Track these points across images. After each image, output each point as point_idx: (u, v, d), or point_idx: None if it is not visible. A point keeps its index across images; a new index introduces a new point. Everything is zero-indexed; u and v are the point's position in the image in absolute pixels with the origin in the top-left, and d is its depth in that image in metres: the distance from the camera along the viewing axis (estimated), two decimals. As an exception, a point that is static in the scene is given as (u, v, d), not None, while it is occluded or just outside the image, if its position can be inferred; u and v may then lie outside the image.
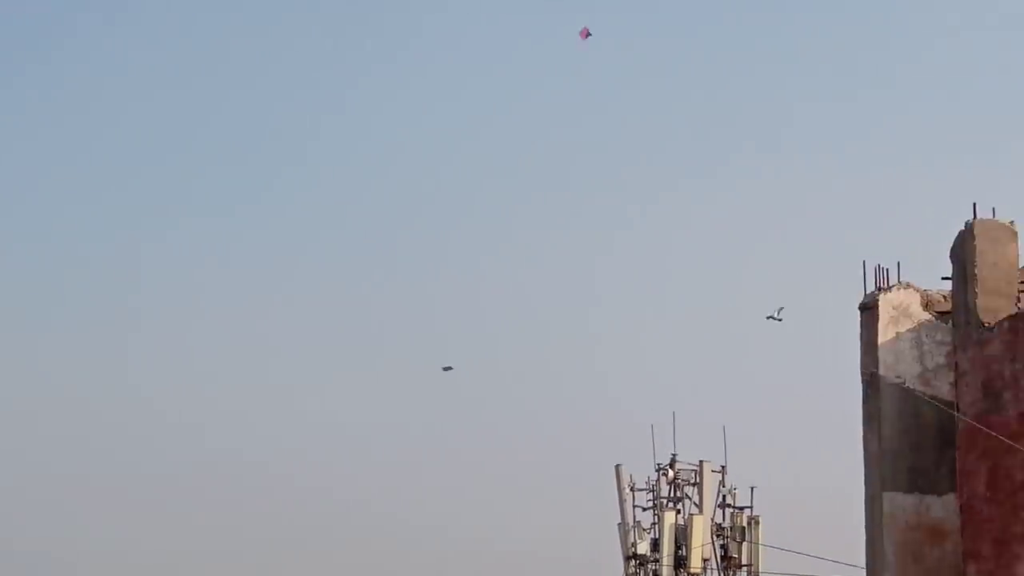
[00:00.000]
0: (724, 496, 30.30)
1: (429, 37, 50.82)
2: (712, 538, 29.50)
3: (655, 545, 29.88)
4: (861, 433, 15.13)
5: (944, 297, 14.56)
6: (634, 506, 30.56)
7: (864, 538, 14.99)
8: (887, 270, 14.85)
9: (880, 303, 14.68)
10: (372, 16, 50.29)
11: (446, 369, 30.58)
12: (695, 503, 30.50)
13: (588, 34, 26.79)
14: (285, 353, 47.72)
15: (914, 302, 14.73)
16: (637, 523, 30.39)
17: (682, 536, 29.60)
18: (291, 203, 49.51)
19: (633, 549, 29.90)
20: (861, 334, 14.97)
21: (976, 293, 13.34)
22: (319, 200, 49.32)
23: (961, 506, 13.54)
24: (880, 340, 14.65)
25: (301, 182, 49.96)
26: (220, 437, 44.66)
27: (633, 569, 29.83)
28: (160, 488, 41.80)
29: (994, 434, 13.04)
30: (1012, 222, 13.55)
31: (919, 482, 14.52)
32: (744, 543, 29.13)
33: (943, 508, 14.34)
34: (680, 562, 29.62)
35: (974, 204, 13.58)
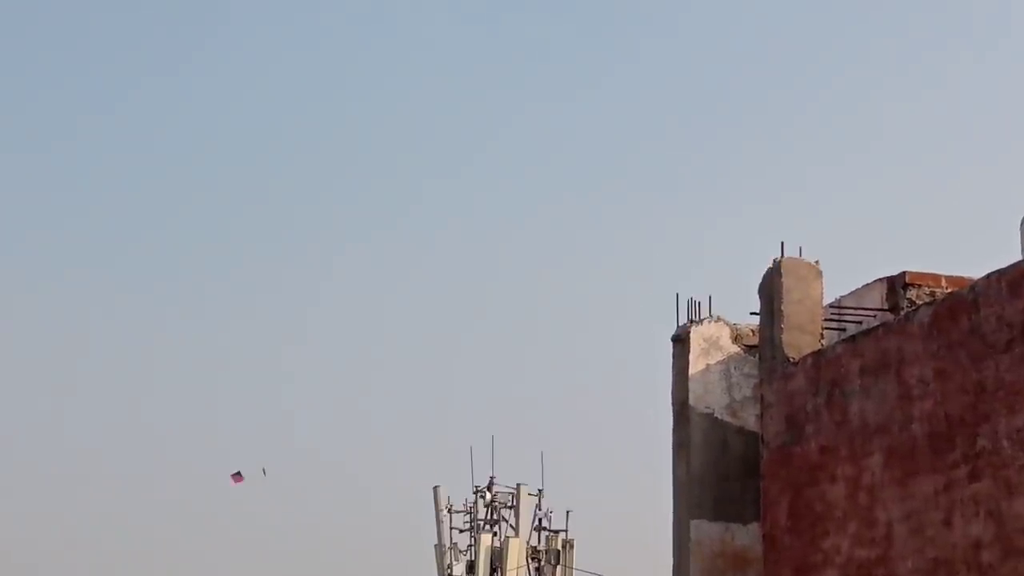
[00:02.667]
0: (540, 519, 30.60)
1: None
2: (527, 560, 29.77)
3: (471, 567, 30.03)
4: (670, 461, 15.46)
5: (752, 331, 14.98)
6: (451, 527, 30.65)
7: (672, 563, 15.30)
8: (699, 303, 15.24)
9: (692, 335, 15.05)
10: None
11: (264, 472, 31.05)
12: (511, 525, 30.73)
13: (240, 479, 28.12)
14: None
15: (724, 335, 15.13)
16: (454, 544, 30.51)
17: (498, 558, 29.81)
18: None
19: (449, 571, 30.00)
20: (673, 364, 15.32)
21: (782, 328, 13.75)
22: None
23: (764, 535, 13.92)
24: (691, 371, 15.02)
25: None
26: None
27: (448, 591, 29.88)
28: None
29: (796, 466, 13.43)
30: (817, 261, 14.00)
31: (725, 510, 14.88)
32: (558, 566, 29.45)
33: (747, 536, 14.72)
34: (495, 584, 29.78)
35: (782, 243, 14.02)
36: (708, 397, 15.00)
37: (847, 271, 14.96)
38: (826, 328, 14.00)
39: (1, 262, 44.16)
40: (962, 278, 13.49)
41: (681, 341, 15.16)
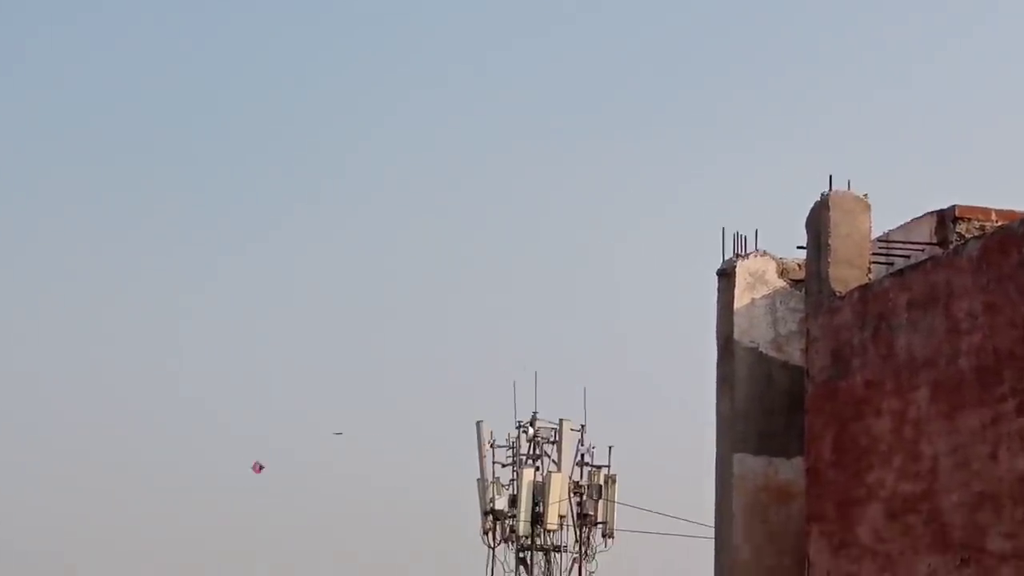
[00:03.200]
0: (582, 454, 30.70)
1: None
2: (569, 495, 29.89)
3: (513, 501, 30.18)
4: (715, 395, 15.45)
5: (799, 266, 14.89)
6: (494, 462, 30.81)
7: (714, 498, 15.32)
8: (745, 238, 15.16)
9: (737, 269, 14.98)
10: None
11: (337, 434, 31.45)
12: (554, 461, 30.85)
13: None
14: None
15: (770, 269, 15.06)
16: (496, 479, 30.67)
17: (540, 493, 29.95)
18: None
19: (491, 505, 30.17)
20: (718, 299, 15.26)
21: (829, 262, 13.65)
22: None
23: (808, 469, 13.89)
24: (736, 305, 14.95)
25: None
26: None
27: (491, 524, 30.10)
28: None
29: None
30: (866, 195, 13.87)
31: (769, 444, 14.86)
32: (600, 501, 29.58)
33: (791, 470, 14.70)
34: (537, 518, 29.97)
35: (830, 176, 13.89)
36: (753, 331, 14.95)
37: (896, 205, 14.81)
38: (874, 262, 13.90)
39: None
40: (1012, 211, 13.36)
41: (727, 275, 15.09)
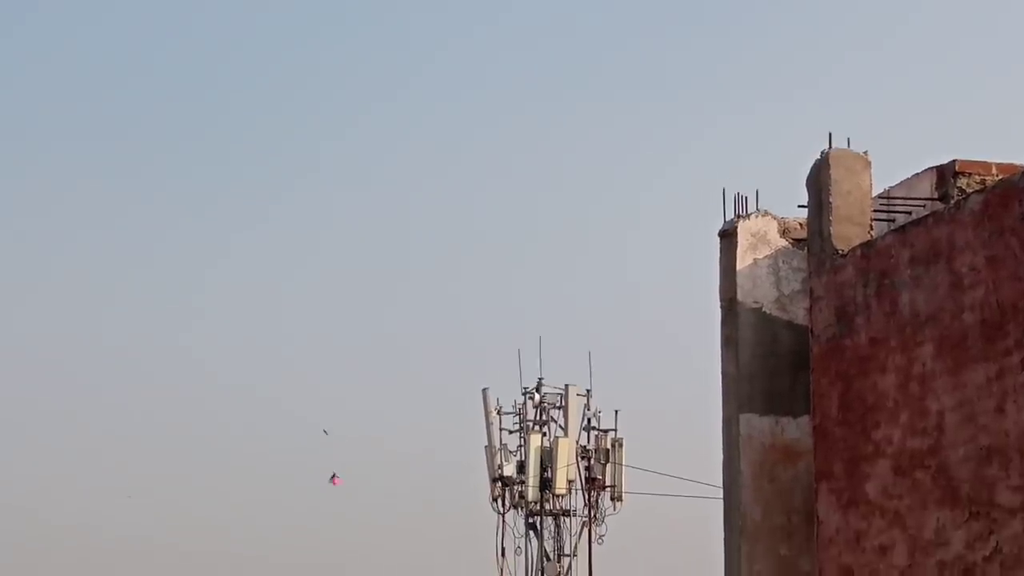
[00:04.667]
0: (589, 419, 30.79)
1: None
2: (577, 460, 29.99)
3: (521, 467, 30.30)
4: (719, 357, 15.45)
5: (800, 224, 14.87)
6: (500, 429, 30.91)
7: (721, 459, 15.34)
8: (746, 198, 15.13)
9: (739, 229, 14.96)
10: None
11: (325, 432, 31.79)
12: (560, 426, 30.94)
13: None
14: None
15: (772, 229, 15.04)
16: (503, 446, 30.78)
17: (548, 458, 30.05)
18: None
19: (500, 471, 30.28)
20: (720, 260, 15.25)
21: (830, 221, 13.63)
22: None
23: (814, 427, 13.91)
24: (739, 266, 14.94)
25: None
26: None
27: (499, 491, 30.22)
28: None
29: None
30: (866, 152, 13.84)
31: (775, 404, 14.88)
32: (608, 464, 29.68)
33: (798, 429, 14.73)
34: (546, 483, 30.09)
35: (829, 134, 13.86)
36: (756, 292, 14.94)
37: (896, 161, 14.78)
38: (875, 219, 13.88)
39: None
40: (1013, 165, 13.34)
41: (728, 236, 15.07)
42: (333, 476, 30.46)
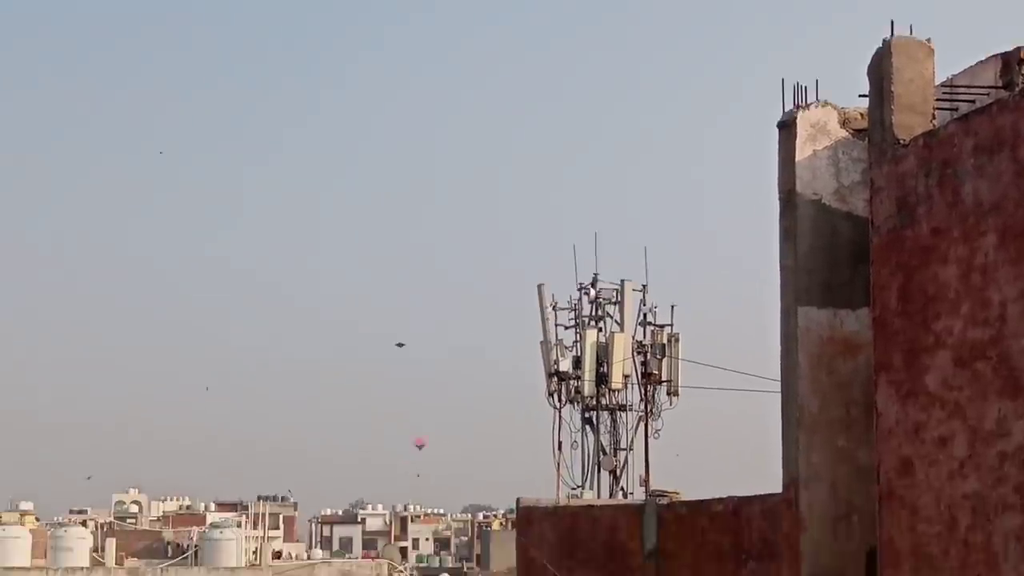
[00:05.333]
0: (645, 314, 30.86)
1: None
2: (633, 355, 30.09)
3: (577, 363, 30.44)
4: (777, 250, 15.36)
5: (861, 115, 14.67)
6: (556, 325, 31.05)
7: (779, 352, 15.30)
8: (806, 88, 14.92)
9: (799, 120, 14.78)
10: None
11: (399, 345, 32.06)
12: (616, 321, 31.03)
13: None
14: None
15: (832, 120, 14.85)
16: (559, 341, 30.93)
17: (603, 353, 30.17)
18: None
19: (555, 367, 30.44)
20: (779, 152, 15.09)
21: (892, 110, 13.42)
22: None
23: (874, 319, 13.82)
24: (798, 157, 14.79)
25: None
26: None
27: (555, 386, 30.40)
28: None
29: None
30: (929, 39, 13.59)
31: (834, 296, 14.80)
32: (664, 359, 29.76)
33: (856, 322, 14.65)
34: (601, 378, 30.24)
35: (892, 22, 13.59)
36: (816, 183, 14.80)
37: (959, 49, 14.51)
38: (938, 108, 13.66)
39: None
40: (1080, 51, 13.07)
41: (787, 127, 14.90)
42: (417, 440, 30.99)
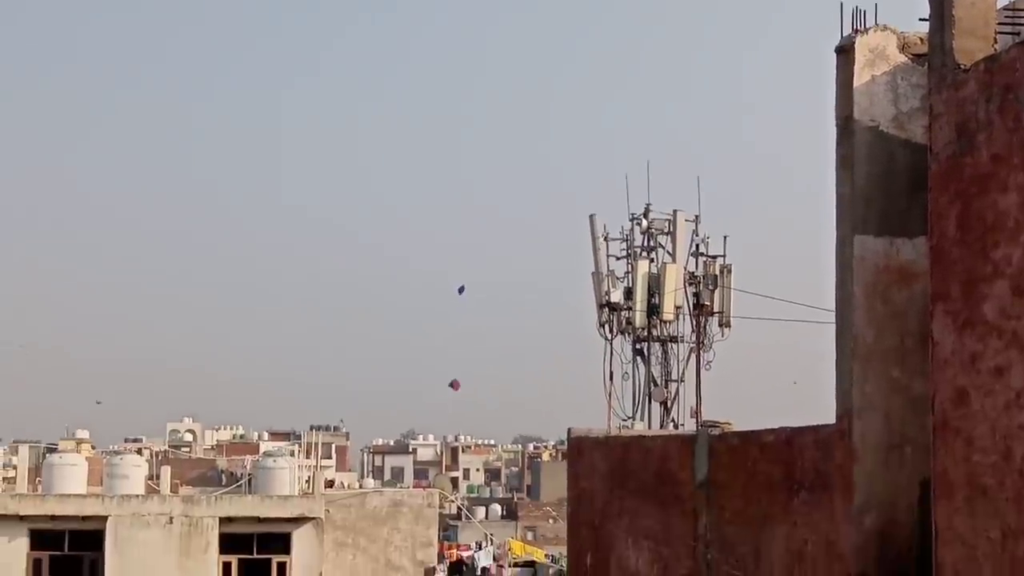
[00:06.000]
0: (697, 245, 30.69)
1: None
2: (685, 286, 29.95)
3: (628, 294, 30.35)
4: (833, 178, 15.13)
5: (921, 39, 14.36)
6: (608, 255, 30.95)
7: (834, 282, 15.12)
8: (864, 12, 14.61)
9: (857, 45, 14.49)
10: None
11: (460, 290, 31.97)
12: (668, 252, 30.87)
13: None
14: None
15: (891, 44, 14.55)
16: (611, 272, 30.85)
17: (655, 284, 30.05)
18: None
19: (607, 297, 30.38)
20: (836, 77, 14.82)
21: (953, 34, 13.12)
22: None
23: (931, 248, 13.60)
24: (856, 83, 14.51)
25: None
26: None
27: (607, 316, 30.35)
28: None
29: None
30: (992, -39, 13.27)
31: (890, 225, 14.57)
32: (716, 290, 29.60)
33: (913, 251, 14.43)
34: (653, 310, 30.13)
35: (954, -57, 13.28)
36: (874, 110, 14.53)
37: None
38: (1000, 32, 13.34)
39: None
40: None
41: (845, 52, 14.62)
42: (454, 382, 31.08)
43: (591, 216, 30.70)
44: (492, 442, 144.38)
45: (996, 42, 13.25)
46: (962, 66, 13.07)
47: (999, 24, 13.42)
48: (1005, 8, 13.60)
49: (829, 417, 14.97)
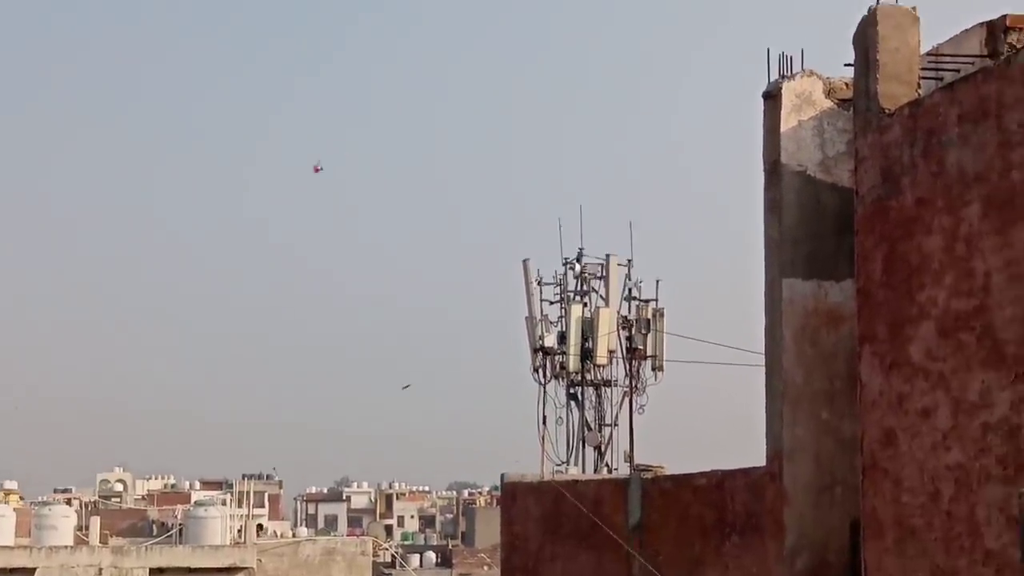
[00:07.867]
0: (630, 289, 30.78)
1: None
2: (618, 330, 30.02)
3: (562, 338, 30.36)
4: (762, 223, 15.28)
5: (846, 84, 14.57)
6: (541, 300, 30.96)
7: (763, 325, 15.23)
8: (791, 58, 14.82)
9: (783, 90, 14.68)
10: None
11: (405, 388, 32.25)
12: (601, 296, 30.94)
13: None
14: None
15: (817, 89, 14.75)
16: (544, 316, 30.84)
17: (588, 328, 30.10)
18: None
19: (541, 342, 30.36)
20: (764, 122, 15.00)
21: (877, 79, 13.32)
22: None
23: (858, 290, 13.74)
24: (783, 128, 14.69)
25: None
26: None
27: (540, 362, 30.33)
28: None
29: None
30: (915, 8, 13.48)
31: (818, 268, 14.73)
32: (649, 334, 29.70)
33: (841, 293, 14.59)
34: (586, 354, 30.17)
35: (877, -10, 13.51)
36: (800, 154, 14.72)
37: (945, 17, 14.42)
38: (923, 77, 13.56)
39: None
40: (1066, 20, 12.99)
41: (772, 97, 14.80)
42: (316, 165, 31.11)
43: (524, 261, 30.76)
44: (427, 488, 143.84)
45: (920, 87, 13.45)
46: (887, 110, 13.25)
47: (922, 69, 13.64)
48: (928, 54, 13.83)
49: (761, 459, 15.04)
